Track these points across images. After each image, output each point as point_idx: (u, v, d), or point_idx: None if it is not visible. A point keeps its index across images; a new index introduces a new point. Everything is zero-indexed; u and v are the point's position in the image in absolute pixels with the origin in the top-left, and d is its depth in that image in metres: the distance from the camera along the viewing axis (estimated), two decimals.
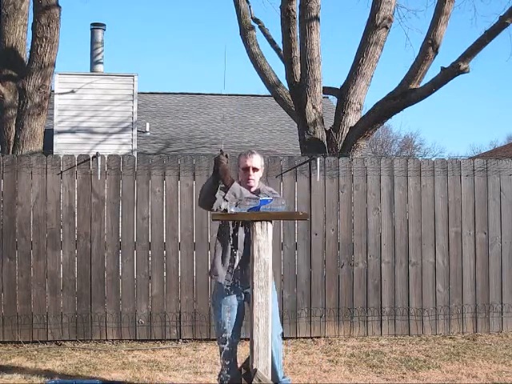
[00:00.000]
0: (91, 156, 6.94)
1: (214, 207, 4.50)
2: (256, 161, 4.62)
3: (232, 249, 4.56)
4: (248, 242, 4.43)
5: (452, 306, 7.21)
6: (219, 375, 4.62)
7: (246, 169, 4.63)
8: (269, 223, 4.08)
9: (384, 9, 9.72)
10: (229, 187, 4.33)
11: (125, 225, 6.84)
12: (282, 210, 4.22)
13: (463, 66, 8.68)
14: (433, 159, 7.45)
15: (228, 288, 4.55)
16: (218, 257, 4.63)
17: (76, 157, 6.91)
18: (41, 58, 8.61)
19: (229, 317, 4.52)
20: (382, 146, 41.00)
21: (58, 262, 6.75)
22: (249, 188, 4.59)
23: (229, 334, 4.50)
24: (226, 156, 4.39)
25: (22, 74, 9.10)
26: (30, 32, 9.02)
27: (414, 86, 9.34)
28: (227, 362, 4.52)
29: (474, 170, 7.36)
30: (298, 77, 9.75)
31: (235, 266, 4.55)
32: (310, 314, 6.97)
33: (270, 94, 10.75)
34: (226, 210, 4.33)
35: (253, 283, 4.02)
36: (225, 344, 4.50)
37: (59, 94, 14.75)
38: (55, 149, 14.36)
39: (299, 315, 6.96)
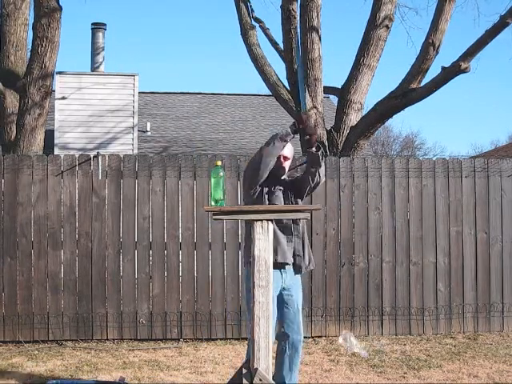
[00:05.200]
0: (92, 156, 6.94)
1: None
2: (287, 150, 4.57)
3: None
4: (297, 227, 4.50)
5: (453, 306, 7.21)
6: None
7: (277, 157, 4.54)
8: (269, 222, 4.08)
9: (385, 8, 9.70)
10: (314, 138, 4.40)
11: (125, 224, 6.84)
12: None
13: (464, 66, 8.67)
14: (434, 159, 7.45)
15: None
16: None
17: (77, 156, 6.91)
18: (41, 58, 8.60)
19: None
20: (382, 145, 40.98)
21: (58, 262, 6.76)
22: (279, 176, 4.62)
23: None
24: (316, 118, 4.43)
25: (22, 74, 9.11)
26: (30, 32, 9.04)
27: (414, 86, 9.34)
28: None
29: (474, 170, 7.35)
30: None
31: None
32: (310, 314, 6.97)
33: (270, 93, 10.74)
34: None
35: (253, 283, 4.02)
36: None
37: (60, 93, 14.76)
38: (56, 148, 14.37)
39: None
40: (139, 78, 15.22)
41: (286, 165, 4.67)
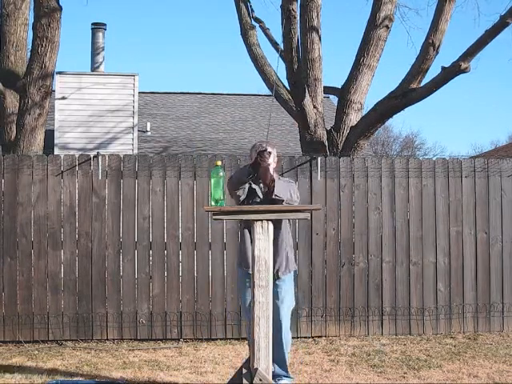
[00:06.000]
0: (92, 156, 6.94)
1: (241, 197, 4.65)
2: (271, 158, 4.57)
3: None
4: (274, 235, 4.54)
5: (453, 306, 7.20)
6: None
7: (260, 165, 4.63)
8: (270, 223, 4.09)
9: (385, 8, 9.72)
10: (270, 186, 4.46)
11: (125, 224, 6.84)
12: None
13: (464, 66, 8.67)
14: (434, 159, 7.45)
15: None
16: (248, 248, 4.69)
17: (77, 156, 6.91)
18: (41, 58, 8.60)
19: None
20: (382, 145, 40.99)
21: (58, 262, 6.75)
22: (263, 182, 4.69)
23: None
24: (269, 153, 4.43)
25: (22, 74, 9.11)
26: (30, 32, 9.04)
27: (414, 86, 9.34)
28: None
29: (474, 170, 7.36)
30: (299, 76, 9.74)
31: None
32: (310, 314, 6.97)
33: (270, 93, 10.73)
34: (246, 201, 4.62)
35: (253, 282, 4.02)
36: None
37: (60, 93, 14.76)
38: (56, 148, 14.37)
39: (300, 315, 6.95)
40: (139, 77, 15.24)
41: (270, 168, 4.65)
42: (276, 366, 4.91)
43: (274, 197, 4.50)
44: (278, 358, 4.90)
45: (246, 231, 4.78)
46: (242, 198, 4.65)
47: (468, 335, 7.12)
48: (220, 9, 65.79)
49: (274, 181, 4.49)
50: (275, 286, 4.82)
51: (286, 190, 4.63)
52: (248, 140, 17.11)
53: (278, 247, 4.82)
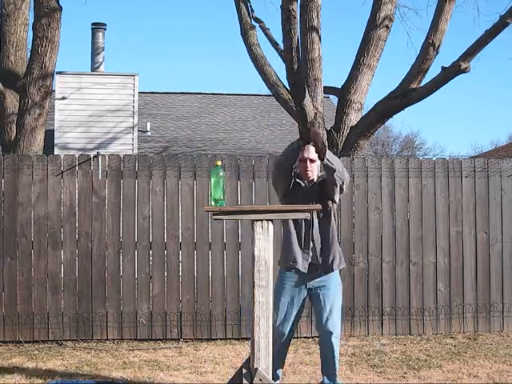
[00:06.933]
0: (92, 156, 6.94)
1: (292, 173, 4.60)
2: (313, 151, 4.52)
3: (307, 235, 4.63)
4: (323, 228, 4.61)
5: (453, 306, 7.21)
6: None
7: (303, 160, 4.60)
8: (270, 223, 4.08)
9: (385, 8, 9.71)
10: (322, 151, 4.36)
11: (125, 224, 6.84)
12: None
13: (464, 66, 8.67)
14: (434, 159, 7.46)
15: (303, 275, 4.63)
16: (295, 244, 4.63)
17: (77, 156, 6.91)
18: (41, 58, 8.60)
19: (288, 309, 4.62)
20: (382, 145, 40.98)
21: (58, 262, 6.76)
22: (307, 179, 4.67)
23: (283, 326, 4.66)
24: (319, 123, 4.40)
25: (22, 74, 9.11)
26: (30, 32, 9.04)
27: (414, 86, 9.34)
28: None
29: (474, 170, 7.36)
30: (299, 76, 9.74)
31: (312, 254, 4.63)
32: (310, 314, 6.95)
33: (270, 93, 10.73)
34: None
35: (253, 282, 4.01)
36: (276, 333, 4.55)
37: (60, 93, 14.75)
38: (56, 148, 14.37)
39: None
40: (139, 77, 15.24)
41: (313, 167, 4.65)
42: (325, 378, 4.75)
43: (325, 161, 4.38)
44: (330, 371, 4.72)
45: (291, 226, 4.66)
46: (291, 183, 4.62)
47: (468, 335, 7.12)
48: (220, 9, 65.88)
49: (326, 146, 4.39)
50: (320, 286, 4.68)
51: (338, 162, 4.52)
52: (248, 140, 17.10)
53: (330, 240, 4.67)
